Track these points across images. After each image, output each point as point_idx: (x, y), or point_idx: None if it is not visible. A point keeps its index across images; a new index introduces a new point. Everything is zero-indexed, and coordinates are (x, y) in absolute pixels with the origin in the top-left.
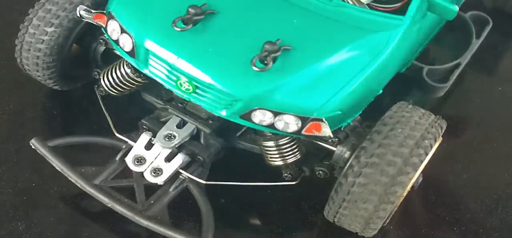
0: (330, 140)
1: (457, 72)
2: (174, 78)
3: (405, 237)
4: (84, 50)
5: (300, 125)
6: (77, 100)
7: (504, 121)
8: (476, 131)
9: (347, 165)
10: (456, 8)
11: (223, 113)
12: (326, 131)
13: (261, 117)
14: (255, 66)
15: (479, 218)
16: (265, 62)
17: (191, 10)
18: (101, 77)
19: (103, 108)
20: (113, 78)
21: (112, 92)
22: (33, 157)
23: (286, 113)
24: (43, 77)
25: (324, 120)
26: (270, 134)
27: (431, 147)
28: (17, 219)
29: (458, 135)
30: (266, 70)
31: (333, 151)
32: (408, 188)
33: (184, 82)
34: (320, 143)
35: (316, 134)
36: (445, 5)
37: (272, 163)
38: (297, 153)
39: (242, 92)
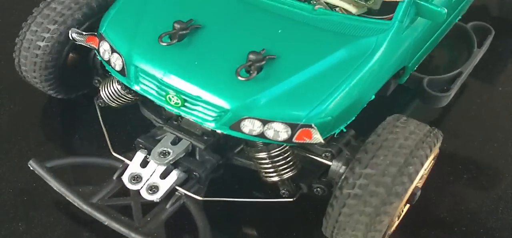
0: (323, 155)
1: (459, 81)
2: (163, 93)
3: (406, 237)
4: (82, 58)
5: (290, 132)
6: (77, 99)
7: (504, 121)
8: (477, 131)
9: (342, 177)
10: (444, 10)
11: (212, 125)
12: (317, 137)
13: (250, 127)
14: (240, 75)
15: (480, 218)
16: (250, 71)
17: (177, 25)
18: (101, 89)
19: (102, 124)
20: (108, 93)
21: (110, 105)
22: (33, 157)
23: (275, 121)
24: (41, 83)
25: (313, 125)
26: (262, 145)
27: (427, 157)
28: (18, 220)
29: (458, 135)
30: (251, 79)
31: (329, 166)
32: (404, 201)
33: (173, 97)
34: (314, 157)
35: (308, 141)
36: (432, 8)
37: (268, 179)
38: (292, 167)
39: (229, 102)
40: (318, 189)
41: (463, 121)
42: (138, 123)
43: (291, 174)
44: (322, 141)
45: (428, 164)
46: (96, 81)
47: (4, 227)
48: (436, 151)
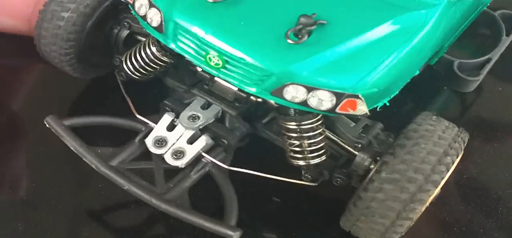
0: (353, 145)
1: (488, 67)
2: (203, 53)
3: (405, 237)
4: (106, 37)
5: (334, 101)
6: (81, 101)
7: (504, 121)
8: (476, 131)
9: (368, 178)
10: None
11: (253, 90)
12: (362, 108)
13: (293, 93)
14: (289, 39)
15: (480, 218)
16: (300, 36)
17: None
18: (123, 60)
19: (123, 91)
20: (136, 60)
21: (134, 76)
22: (33, 157)
23: (320, 89)
24: (60, 57)
25: (360, 96)
26: (294, 114)
27: (453, 163)
28: (17, 219)
29: None
30: (301, 43)
31: (354, 157)
32: (427, 204)
33: (213, 57)
34: (343, 144)
35: (351, 112)
36: None
37: (294, 161)
38: (320, 153)
39: (275, 65)
40: (339, 179)
41: (463, 121)
42: (160, 93)
43: (318, 161)
44: (367, 112)
45: (458, 161)
46: (116, 59)
47: (3, 227)
48: (462, 152)
